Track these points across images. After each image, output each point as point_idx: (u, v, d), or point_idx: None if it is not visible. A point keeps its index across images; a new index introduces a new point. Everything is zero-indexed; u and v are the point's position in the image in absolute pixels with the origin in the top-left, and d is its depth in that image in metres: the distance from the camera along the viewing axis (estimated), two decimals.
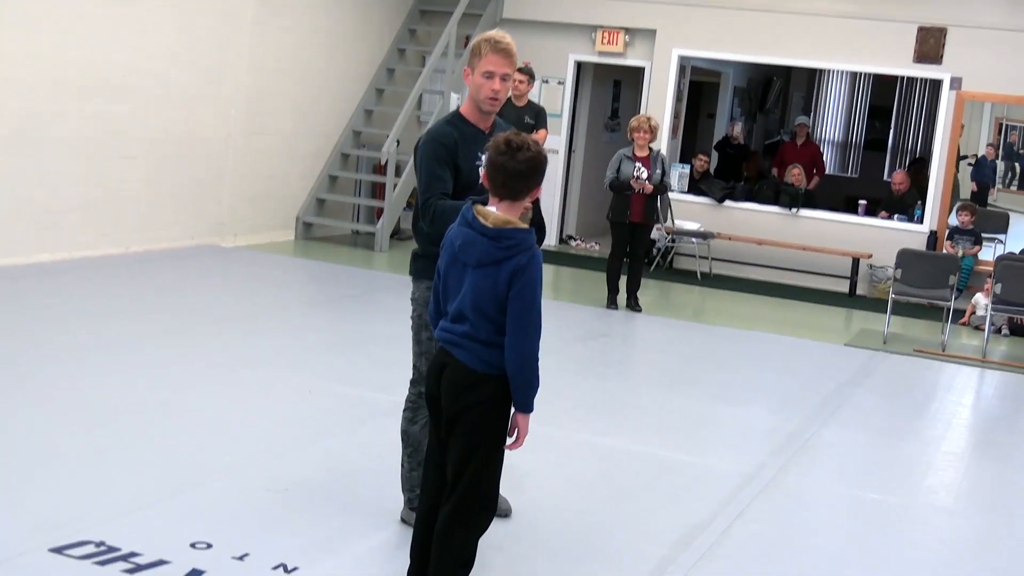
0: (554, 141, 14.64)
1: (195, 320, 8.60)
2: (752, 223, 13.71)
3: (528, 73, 10.90)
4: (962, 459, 7.11)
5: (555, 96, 14.59)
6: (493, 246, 3.74)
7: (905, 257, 10.56)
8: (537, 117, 10.88)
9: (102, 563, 4.29)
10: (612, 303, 10.79)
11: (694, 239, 13.42)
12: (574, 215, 15.40)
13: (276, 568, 4.40)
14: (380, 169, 13.51)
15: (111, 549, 4.41)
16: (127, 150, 10.68)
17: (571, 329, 9.66)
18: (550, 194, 14.76)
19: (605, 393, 7.78)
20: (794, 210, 13.61)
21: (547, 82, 14.59)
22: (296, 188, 13.09)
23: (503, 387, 3.82)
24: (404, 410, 4.92)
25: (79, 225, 10.29)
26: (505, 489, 5.36)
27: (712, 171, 15.21)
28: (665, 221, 13.46)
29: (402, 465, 4.97)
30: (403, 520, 4.93)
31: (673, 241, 13.62)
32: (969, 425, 8.10)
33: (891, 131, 18.66)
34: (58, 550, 4.35)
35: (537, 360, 3.79)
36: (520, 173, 3.77)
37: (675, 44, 13.91)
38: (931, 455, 7.08)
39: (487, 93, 4.66)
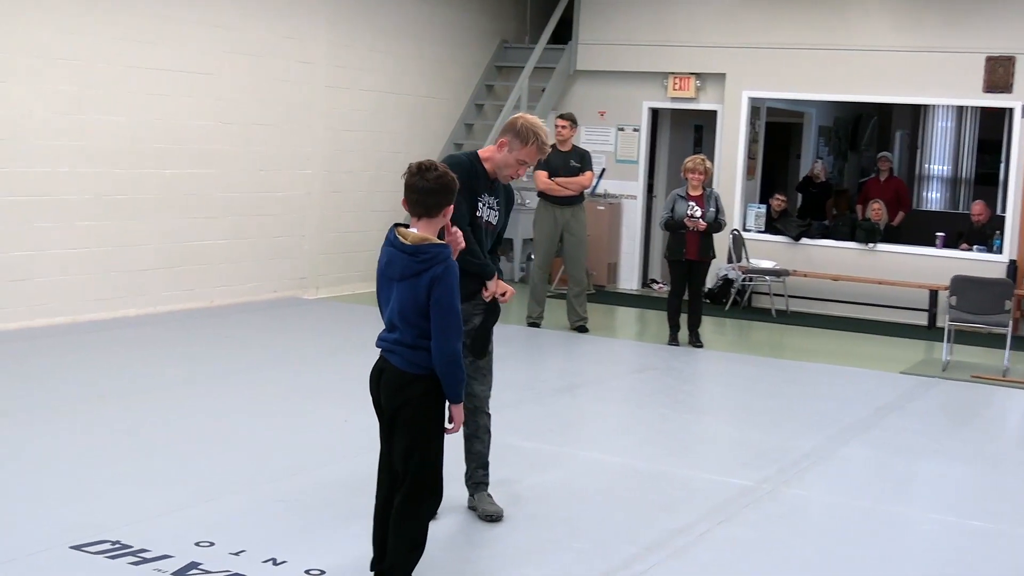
0: (631, 187, 15.24)
1: (264, 360, 9.39)
2: (829, 260, 14.04)
3: (571, 119, 11.60)
4: (970, 471, 7.40)
5: (631, 143, 15.19)
6: (412, 260, 4.38)
7: (959, 283, 10.81)
8: (582, 160, 11.52)
9: (112, 557, 5.01)
10: (674, 340, 11.27)
11: (768, 277, 13.81)
12: (657, 259, 15.89)
13: (266, 561, 5.05)
14: None
15: (124, 547, 5.13)
16: (209, 210, 11.63)
17: (621, 364, 10.19)
18: (631, 239, 15.32)
19: (630, 418, 8.30)
20: (871, 245, 13.90)
21: (623, 130, 15.20)
22: (376, 242, 13.83)
23: (433, 384, 4.45)
24: None
25: (164, 282, 11.23)
26: (503, 499, 5.95)
27: (797, 211, 15.60)
28: (739, 260, 13.89)
29: None
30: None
31: (749, 280, 14.02)
32: (994, 443, 8.36)
33: (1002, 164, 18.68)
34: (77, 547, 5.09)
35: (459, 357, 4.41)
36: (430, 191, 4.42)
37: (744, 86, 14.40)
38: (944, 469, 7.40)
39: (511, 173, 5.61)
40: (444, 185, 4.44)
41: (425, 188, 4.42)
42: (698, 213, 11.07)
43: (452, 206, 4.52)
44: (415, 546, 4.58)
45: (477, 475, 5.90)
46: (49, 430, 7.04)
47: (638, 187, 15.21)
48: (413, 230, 4.47)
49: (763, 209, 14.65)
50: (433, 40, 14.49)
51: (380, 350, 4.57)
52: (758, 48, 14.27)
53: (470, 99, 15.19)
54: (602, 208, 15.05)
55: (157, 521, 5.48)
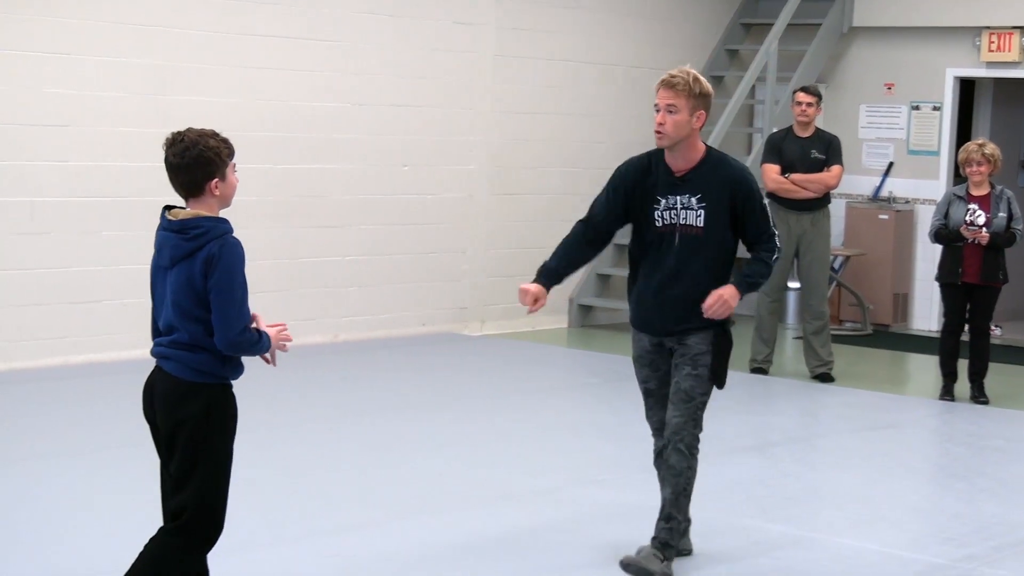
0: (929, 188, 15.81)
1: (382, 406, 10.74)
2: None
3: (816, 94, 12.35)
4: None
5: (930, 127, 15.75)
6: (181, 239, 5.20)
7: None
8: (828, 149, 12.27)
9: None
10: (947, 393, 11.83)
11: None
12: None
13: None
14: None
15: None
16: (334, 218, 13.01)
17: (853, 421, 10.97)
18: (929, 260, 15.84)
19: (817, 482, 9.29)
20: None
21: (918, 108, 15.82)
22: None
23: (219, 396, 5.29)
24: None
25: (277, 309, 12.17)
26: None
27: None
28: None
29: None
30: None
31: None
32: None
33: None
34: None
35: (252, 342, 5.22)
36: (177, 167, 5.24)
37: None
38: None
39: (655, 126, 6.74)
40: (196, 158, 5.21)
41: (173, 164, 5.25)
42: (981, 219, 11.56)
43: (219, 179, 5.27)
44: None
45: (657, 525, 6.88)
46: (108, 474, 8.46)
47: (939, 187, 15.70)
48: (188, 210, 5.32)
49: None
50: None
51: (154, 359, 5.33)
52: None
53: (704, 69, 16.08)
54: (886, 217, 15.71)
55: None
